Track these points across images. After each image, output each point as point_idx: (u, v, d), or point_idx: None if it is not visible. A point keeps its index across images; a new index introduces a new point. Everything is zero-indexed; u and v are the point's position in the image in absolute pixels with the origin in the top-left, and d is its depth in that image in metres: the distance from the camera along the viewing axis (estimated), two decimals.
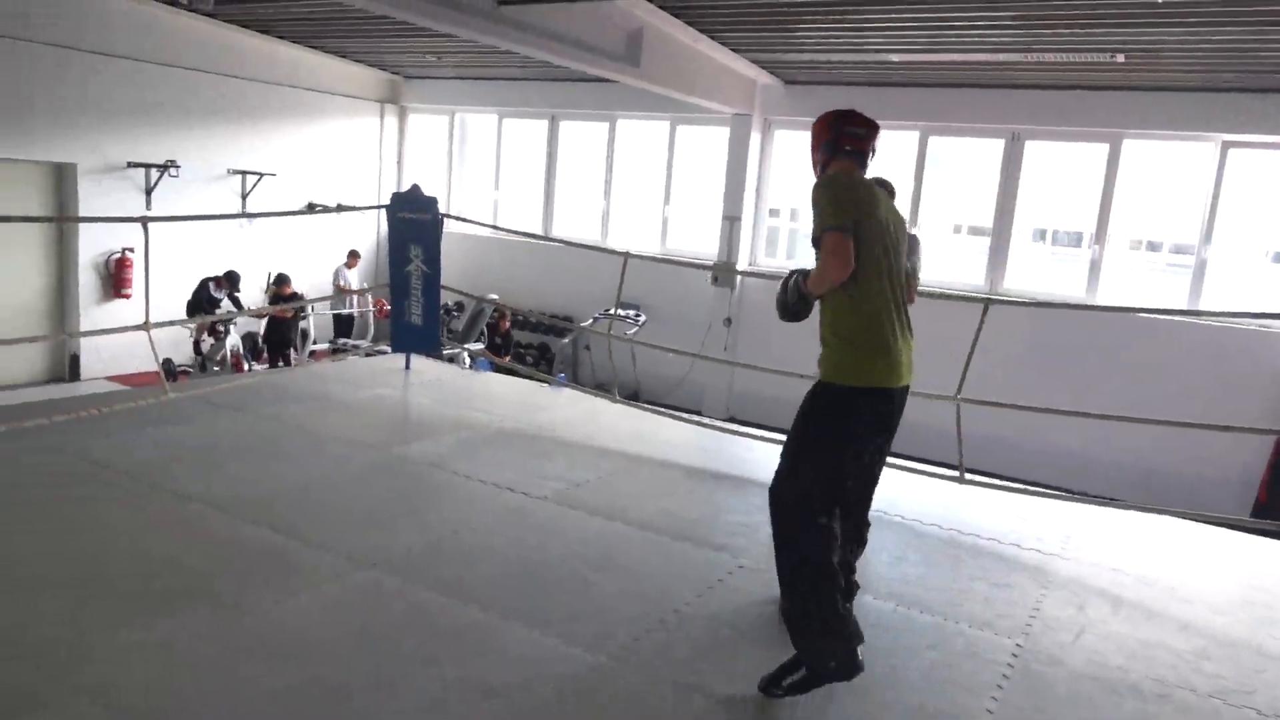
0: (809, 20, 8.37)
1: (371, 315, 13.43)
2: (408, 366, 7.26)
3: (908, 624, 3.62)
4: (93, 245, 11.20)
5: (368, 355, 9.56)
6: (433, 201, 6.88)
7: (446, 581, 3.64)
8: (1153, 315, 8.82)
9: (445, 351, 9.98)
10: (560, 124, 13.50)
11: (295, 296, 11.49)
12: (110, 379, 11.01)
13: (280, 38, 12.31)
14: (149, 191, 11.52)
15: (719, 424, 6.72)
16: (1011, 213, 10.43)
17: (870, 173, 3.37)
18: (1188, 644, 3.62)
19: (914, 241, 5.05)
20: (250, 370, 10.91)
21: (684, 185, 12.65)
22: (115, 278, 11.36)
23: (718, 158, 11.85)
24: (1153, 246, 10.62)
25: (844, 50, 9.29)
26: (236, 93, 12.32)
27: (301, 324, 12.10)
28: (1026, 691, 3.18)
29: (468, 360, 11.13)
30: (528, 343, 13.42)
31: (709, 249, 11.97)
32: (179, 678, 2.86)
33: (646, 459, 5.54)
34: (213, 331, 11.42)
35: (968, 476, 5.31)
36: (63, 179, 10.98)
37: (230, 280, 11.26)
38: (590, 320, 11.83)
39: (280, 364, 11.41)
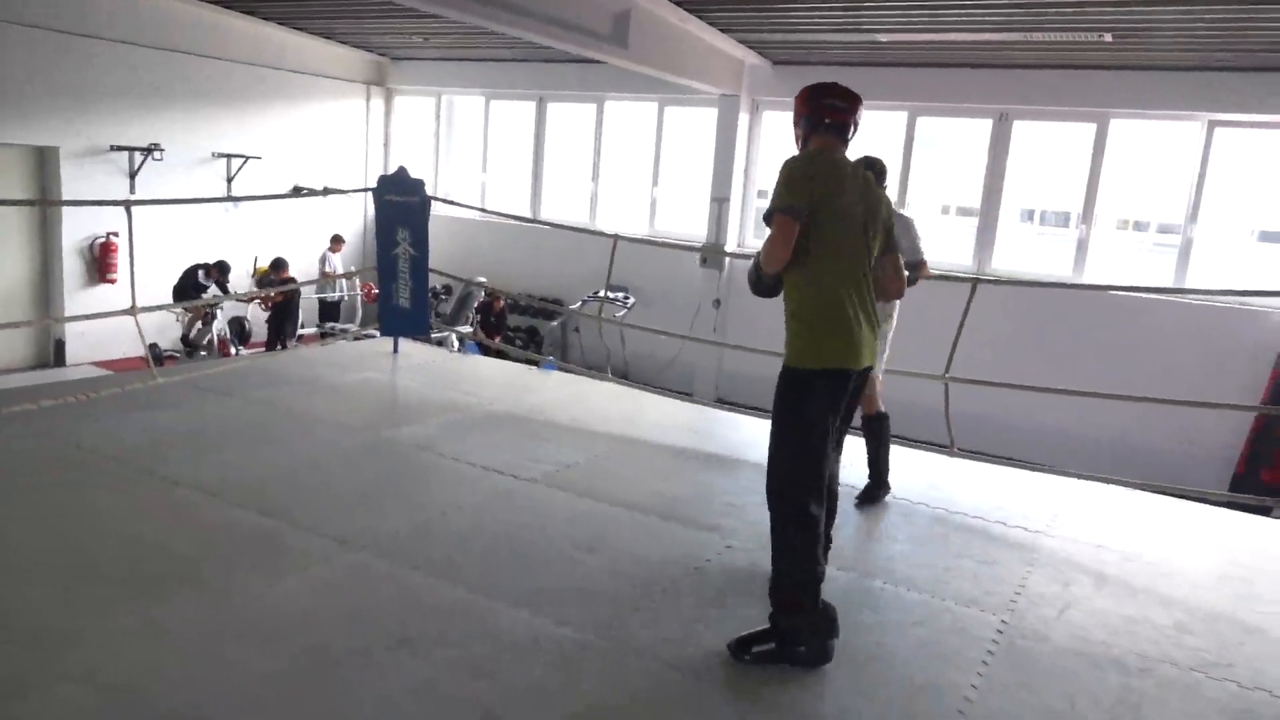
0: None
1: (359, 299, 13.39)
2: (396, 350, 7.24)
3: (896, 601, 3.66)
4: (77, 230, 11.11)
5: (356, 339, 9.53)
6: (420, 184, 6.85)
7: (436, 563, 3.65)
8: (1139, 294, 8.86)
9: (434, 335, 9.96)
10: (548, 105, 13.43)
11: (290, 281, 11.45)
12: (96, 364, 10.94)
13: (266, 19, 12.17)
14: (133, 175, 11.42)
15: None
16: (999, 193, 10.44)
17: (856, 148, 3.34)
18: (1169, 618, 3.67)
19: (906, 223, 4.65)
20: (237, 355, 10.88)
21: (672, 167, 12.61)
22: (100, 262, 11.28)
23: (706, 139, 11.80)
24: (1139, 226, 10.68)
25: (832, 30, 9.25)
26: (221, 75, 12.19)
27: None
28: (1011, 667, 3.22)
29: (456, 343, 11.12)
30: (516, 325, 13.40)
31: (697, 231, 11.95)
32: (168, 662, 2.87)
33: (636, 440, 5.55)
34: (201, 316, 11.39)
35: (958, 451, 5.34)
36: (45, 163, 10.87)
37: (220, 270, 11.22)
38: (579, 303, 11.83)
39: (280, 346, 11.41)
